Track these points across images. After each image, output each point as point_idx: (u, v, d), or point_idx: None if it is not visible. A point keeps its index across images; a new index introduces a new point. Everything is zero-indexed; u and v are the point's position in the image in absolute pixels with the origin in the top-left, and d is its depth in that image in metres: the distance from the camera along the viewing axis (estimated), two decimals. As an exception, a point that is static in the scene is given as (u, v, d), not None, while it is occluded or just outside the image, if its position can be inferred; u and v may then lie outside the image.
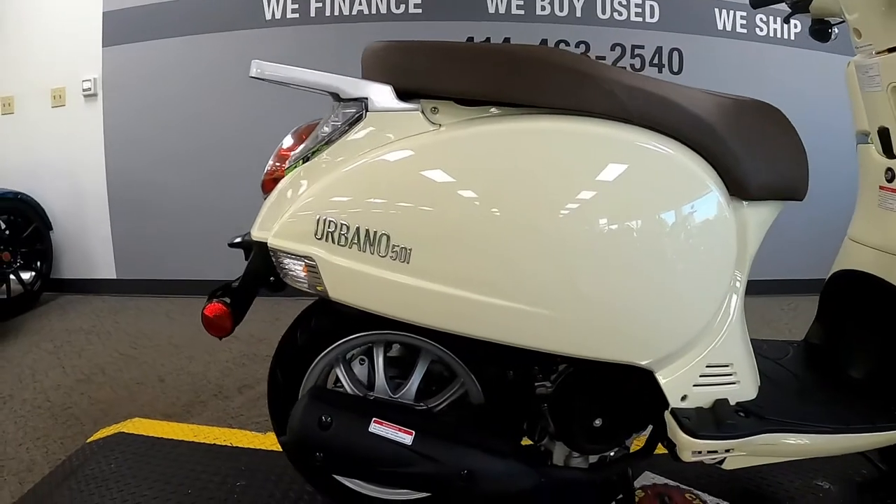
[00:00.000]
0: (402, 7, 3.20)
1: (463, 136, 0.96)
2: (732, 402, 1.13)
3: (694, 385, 1.09)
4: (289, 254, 0.98)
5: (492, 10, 3.16)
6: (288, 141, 1.09)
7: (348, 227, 0.95)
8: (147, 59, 3.33)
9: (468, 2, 3.16)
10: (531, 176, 0.96)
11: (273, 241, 0.99)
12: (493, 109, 0.99)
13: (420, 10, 3.19)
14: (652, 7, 3.15)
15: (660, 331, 1.05)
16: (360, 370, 1.17)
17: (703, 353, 1.09)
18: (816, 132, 3.11)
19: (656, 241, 1.00)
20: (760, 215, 1.13)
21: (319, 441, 0.99)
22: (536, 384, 1.14)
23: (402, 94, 0.98)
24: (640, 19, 3.15)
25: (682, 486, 1.46)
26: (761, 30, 3.19)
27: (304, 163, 1.01)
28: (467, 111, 0.99)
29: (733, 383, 1.12)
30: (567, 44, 3.15)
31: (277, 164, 1.06)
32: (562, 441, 1.15)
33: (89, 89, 3.40)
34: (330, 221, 0.95)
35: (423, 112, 0.98)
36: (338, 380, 1.17)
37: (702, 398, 1.11)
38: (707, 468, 1.27)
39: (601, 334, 1.02)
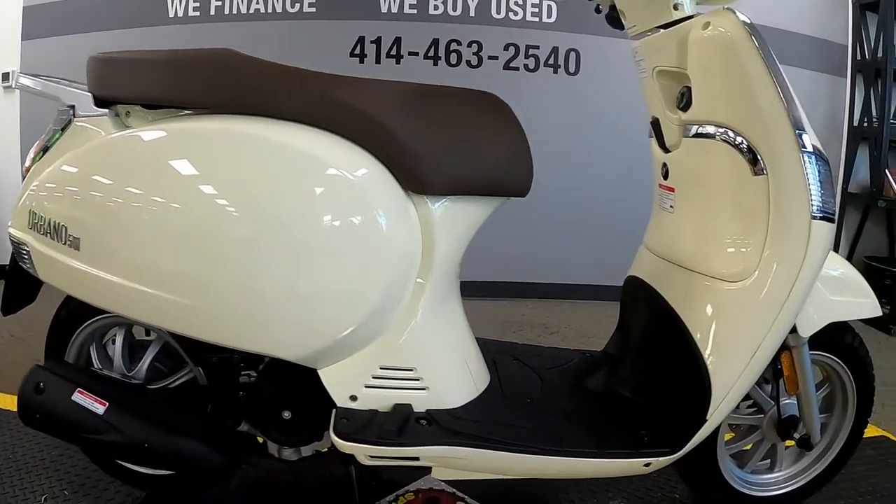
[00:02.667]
0: (297, 6, 3.05)
1: (119, 138, 1.01)
2: (422, 409, 1.03)
3: (366, 386, 1.02)
4: (15, 241, 1.09)
5: (384, 9, 2.99)
6: (43, 136, 1.13)
7: (45, 218, 1.03)
8: (63, 53, 3.18)
9: (361, 1, 3.00)
10: (177, 172, 0.97)
11: (8, 230, 1.10)
12: (187, 112, 1.02)
13: (314, 10, 3.03)
14: (549, 7, 2.98)
15: (303, 327, 0.98)
16: (112, 350, 1.22)
17: (376, 354, 1.01)
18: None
19: (300, 237, 0.95)
20: (453, 211, 1.02)
21: (34, 404, 1.05)
22: (242, 372, 1.14)
23: (103, 101, 1.05)
24: (536, 19, 2.97)
25: (458, 493, 1.37)
26: None
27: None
28: (153, 114, 1.04)
29: (421, 389, 1.03)
30: (459, 43, 2.98)
31: (33, 156, 1.12)
32: (258, 430, 1.14)
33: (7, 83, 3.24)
34: (36, 213, 1.04)
35: (118, 116, 1.06)
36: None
37: (376, 401, 1.02)
38: (508, 483, 1.18)
39: (242, 326, 0.98)
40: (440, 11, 2.98)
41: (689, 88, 1.05)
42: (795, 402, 1.23)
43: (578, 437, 1.06)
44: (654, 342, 1.16)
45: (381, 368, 1.02)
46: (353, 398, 1.02)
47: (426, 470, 1.24)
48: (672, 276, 1.14)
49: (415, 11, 2.98)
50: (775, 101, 0.97)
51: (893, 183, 3.06)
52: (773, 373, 1.19)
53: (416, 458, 1.00)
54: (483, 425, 1.03)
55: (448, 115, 1.02)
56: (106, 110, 1.05)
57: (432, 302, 1.03)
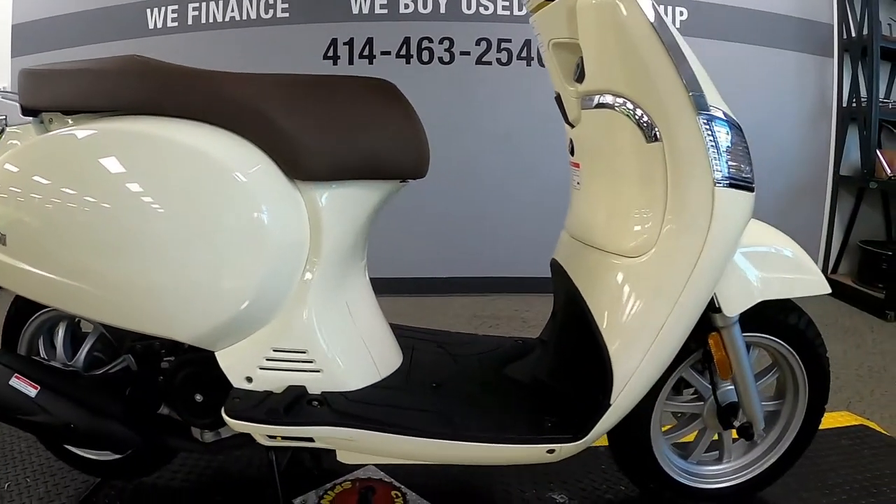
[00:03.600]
0: (271, 12, 3.03)
1: (35, 141, 1.06)
2: (316, 391, 1.04)
3: (260, 368, 1.03)
4: None
5: (356, 10, 2.95)
6: None
7: None
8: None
9: (332, 4, 2.96)
10: (77, 171, 1.01)
11: None
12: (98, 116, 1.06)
13: (287, 14, 3.01)
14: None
15: (190, 311, 1.00)
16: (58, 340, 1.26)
17: (269, 336, 1.03)
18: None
19: (185, 227, 0.98)
20: (341, 196, 1.03)
21: None
22: (165, 358, 1.15)
23: (29, 111, 1.11)
24: (507, 13, 2.90)
25: (395, 482, 1.35)
26: None
27: None
28: (73, 118, 1.08)
29: (315, 371, 1.04)
30: (431, 41, 2.93)
31: None
32: (177, 413, 1.15)
33: (-1, 97, 3.32)
34: None
35: (42, 123, 1.11)
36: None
37: (271, 382, 1.03)
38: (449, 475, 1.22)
39: (141, 311, 1.01)
40: (411, 10, 2.93)
41: (583, 59, 0.97)
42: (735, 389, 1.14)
43: (476, 423, 1.00)
44: (567, 327, 1.09)
45: (274, 351, 1.03)
46: (249, 379, 1.04)
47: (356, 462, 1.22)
48: (581, 256, 1.07)
49: (386, 11, 2.94)
50: (664, 62, 0.89)
51: (885, 164, 2.91)
52: (703, 356, 1.09)
53: (311, 440, 1.00)
54: (377, 408, 1.01)
55: (334, 103, 1.03)
56: (28, 119, 1.11)
57: (324, 286, 1.04)
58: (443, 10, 2.91)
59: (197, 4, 3.11)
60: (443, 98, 2.94)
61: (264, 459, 1.31)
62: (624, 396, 0.96)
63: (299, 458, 1.23)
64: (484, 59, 2.93)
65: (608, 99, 0.95)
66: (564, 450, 0.98)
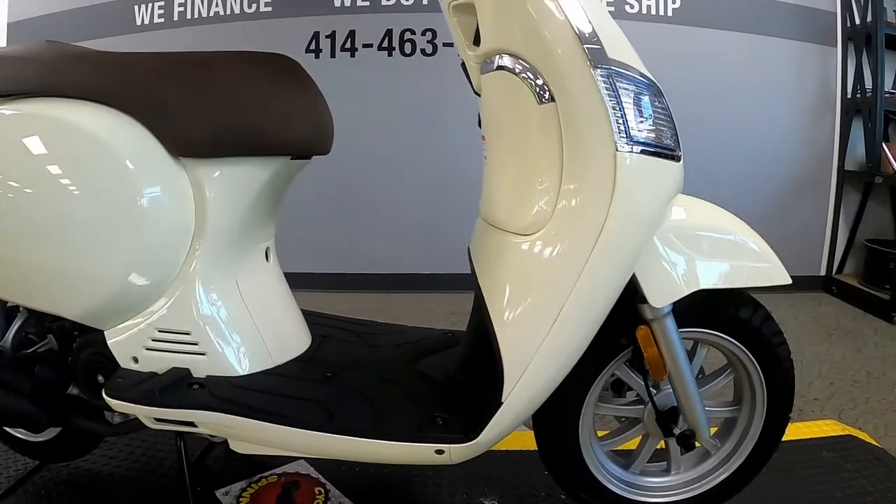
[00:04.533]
0: (255, 6, 2.96)
1: None
2: (201, 374, 1.00)
3: (146, 349, 1.01)
4: None
5: (338, 3, 2.86)
6: None
7: None
8: None
9: (315, -3, 2.88)
10: None
11: None
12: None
13: (270, 9, 2.93)
14: (506, -10, 2.77)
15: (73, 289, 0.98)
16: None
17: (154, 317, 1.00)
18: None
19: (68, 202, 0.94)
20: (228, 174, 0.99)
21: None
22: (79, 339, 1.11)
23: None
24: (489, 2, 2.78)
25: (322, 478, 1.29)
26: (632, 7, 2.77)
27: None
28: None
29: (199, 354, 1.00)
30: (413, 32, 2.81)
31: None
32: (83, 393, 1.12)
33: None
34: None
35: None
36: None
37: (156, 363, 1.01)
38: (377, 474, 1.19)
39: (32, 289, 1.01)
40: (393, 2, 2.83)
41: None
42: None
43: (359, 416, 0.91)
44: (471, 319, 0.95)
45: (159, 331, 1.01)
46: (135, 360, 1.02)
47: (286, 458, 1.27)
48: (484, 239, 0.94)
49: (367, 3, 2.84)
50: (553, 11, 0.76)
51: (891, 158, 2.70)
52: (633, 353, 0.95)
53: (193, 424, 0.96)
54: (259, 395, 0.96)
55: (219, 79, 0.98)
56: None
57: (210, 267, 1.01)
58: (425, 0, 2.80)
59: (182, 0, 3.06)
60: (426, 91, 2.83)
61: (198, 448, 1.37)
62: (517, 394, 0.83)
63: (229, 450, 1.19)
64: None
65: (505, 61, 0.82)
66: (455, 451, 0.86)
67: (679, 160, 0.82)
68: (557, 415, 1.00)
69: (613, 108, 0.74)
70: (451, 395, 0.94)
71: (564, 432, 1.00)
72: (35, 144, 0.95)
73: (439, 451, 0.88)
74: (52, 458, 1.32)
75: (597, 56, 0.74)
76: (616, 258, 0.79)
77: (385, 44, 2.85)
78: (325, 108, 1.07)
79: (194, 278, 0.99)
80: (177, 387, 0.97)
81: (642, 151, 0.76)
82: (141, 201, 0.94)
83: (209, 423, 0.95)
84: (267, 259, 1.14)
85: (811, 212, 3.01)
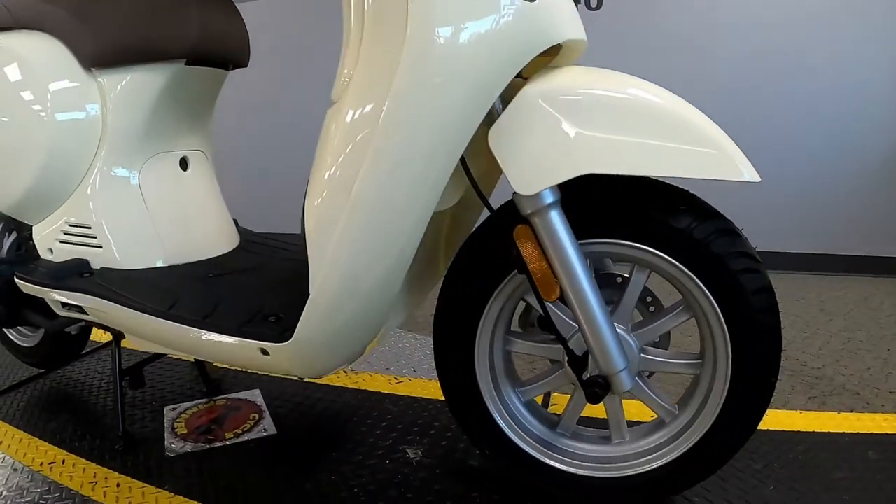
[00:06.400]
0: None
1: None
2: (97, 266, 1.06)
3: (59, 241, 1.09)
4: None
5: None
6: None
7: None
8: None
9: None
10: None
11: None
12: None
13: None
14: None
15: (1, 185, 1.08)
16: None
17: (65, 212, 1.08)
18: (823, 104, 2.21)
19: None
20: (126, 81, 1.03)
21: None
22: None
23: None
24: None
25: (263, 406, 1.25)
26: None
27: None
28: None
29: (96, 247, 1.06)
30: None
31: None
32: None
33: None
34: None
35: None
36: None
37: (66, 254, 1.08)
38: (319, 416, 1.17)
39: None
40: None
41: None
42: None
43: (197, 310, 0.87)
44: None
45: (69, 225, 1.07)
46: (51, 251, 1.10)
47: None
48: None
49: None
50: None
51: None
52: (516, 262, 0.73)
53: (81, 309, 1.01)
54: (134, 285, 0.98)
55: None
56: None
57: (111, 167, 1.06)
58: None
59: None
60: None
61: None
62: (323, 286, 0.69)
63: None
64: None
65: None
66: (277, 351, 0.76)
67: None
68: (449, 346, 0.83)
69: None
70: (296, 297, 0.80)
71: (458, 368, 0.82)
72: None
73: (264, 352, 0.77)
74: (44, 363, 1.44)
75: None
76: (415, 122, 0.60)
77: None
78: (232, 19, 1.08)
79: (96, 179, 1.05)
80: (72, 274, 1.03)
81: None
82: (56, 106, 1.01)
83: (92, 308, 0.98)
84: (184, 168, 1.14)
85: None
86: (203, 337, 0.82)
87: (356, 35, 0.64)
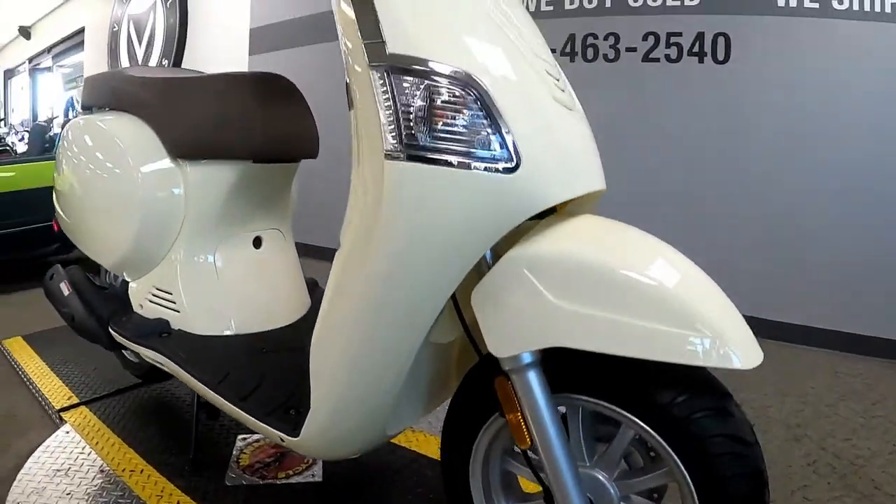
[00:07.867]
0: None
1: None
2: (175, 327, 1.21)
3: (148, 300, 1.26)
4: None
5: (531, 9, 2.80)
6: None
7: None
8: (282, 64, 3.68)
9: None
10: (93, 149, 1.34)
11: None
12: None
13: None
14: (694, -12, 2.35)
15: (104, 247, 1.30)
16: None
17: (153, 277, 1.25)
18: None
19: (103, 186, 1.26)
20: (203, 173, 1.19)
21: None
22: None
23: (85, 107, 1.45)
24: (677, 3, 2.38)
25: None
26: (841, 2, 2.07)
27: None
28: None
29: (175, 311, 1.21)
30: (595, 37, 2.59)
31: None
32: None
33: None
34: None
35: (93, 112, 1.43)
36: None
37: (153, 312, 1.25)
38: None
39: (84, 242, 1.38)
40: (576, 6, 2.65)
41: None
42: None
43: (242, 388, 1.00)
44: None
45: (156, 289, 1.25)
46: (141, 306, 1.29)
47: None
48: None
49: (551, 8, 2.72)
50: (343, 10, 0.69)
51: None
52: (497, 407, 0.77)
53: (161, 364, 1.15)
54: (197, 351, 1.12)
55: (207, 98, 1.19)
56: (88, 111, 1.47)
57: (191, 245, 1.22)
58: (608, 3, 2.56)
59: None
60: (609, 98, 2.57)
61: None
62: (322, 400, 0.82)
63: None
64: (651, 56, 2.48)
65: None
66: (290, 442, 0.88)
67: (504, 171, 0.63)
68: (448, 466, 0.91)
69: (385, 109, 0.61)
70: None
71: (456, 486, 0.90)
72: (93, 143, 1.30)
73: (281, 438, 0.90)
74: (145, 376, 1.64)
75: (375, 52, 0.62)
76: (396, 277, 0.68)
77: (567, 49, 2.69)
78: (300, 118, 1.20)
79: (179, 252, 1.22)
80: (153, 332, 1.20)
81: (414, 158, 0.62)
82: (147, 184, 1.20)
83: (165, 364, 1.14)
84: (257, 246, 1.29)
85: None
86: (241, 414, 0.96)
87: (356, 186, 0.72)
